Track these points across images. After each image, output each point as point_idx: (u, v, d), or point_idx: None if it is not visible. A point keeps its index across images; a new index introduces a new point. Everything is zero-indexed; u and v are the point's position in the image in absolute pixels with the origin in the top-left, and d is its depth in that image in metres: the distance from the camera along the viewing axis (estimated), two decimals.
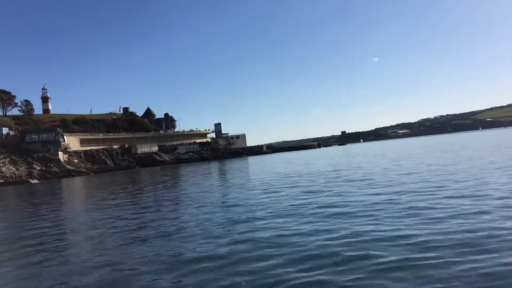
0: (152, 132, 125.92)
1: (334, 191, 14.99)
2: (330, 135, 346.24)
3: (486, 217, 8.42)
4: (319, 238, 7.83)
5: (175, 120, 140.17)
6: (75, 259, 7.99)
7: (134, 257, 7.67)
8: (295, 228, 8.96)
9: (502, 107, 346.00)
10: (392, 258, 6.17)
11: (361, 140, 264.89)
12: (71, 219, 14.68)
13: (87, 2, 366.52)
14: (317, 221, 9.45)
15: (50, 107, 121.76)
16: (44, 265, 7.81)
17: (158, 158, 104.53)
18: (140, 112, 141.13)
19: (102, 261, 7.59)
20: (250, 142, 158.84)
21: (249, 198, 15.32)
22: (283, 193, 15.91)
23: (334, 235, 8.00)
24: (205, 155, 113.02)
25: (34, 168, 77.05)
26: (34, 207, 20.81)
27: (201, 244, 8.26)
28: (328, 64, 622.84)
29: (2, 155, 77.77)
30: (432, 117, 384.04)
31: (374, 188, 14.81)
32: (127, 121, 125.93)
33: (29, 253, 8.99)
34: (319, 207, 11.63)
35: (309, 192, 15.59)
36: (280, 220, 10.13)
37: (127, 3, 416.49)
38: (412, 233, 7.57)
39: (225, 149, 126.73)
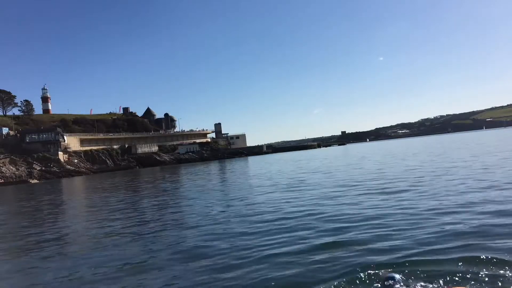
0: (152, 132, 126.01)
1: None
2: (330, 135, 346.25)
3: None
4: None
5: (175, 120, 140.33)
6: (75, 258, 7.94)
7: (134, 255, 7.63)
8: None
9: (502, 107, 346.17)
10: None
11: (367, 140, 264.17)
12: (71, 219, 14.63)
13: (87, 2, 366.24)
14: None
15: (50, 107, 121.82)
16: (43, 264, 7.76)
17: (158, 158, 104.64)
18: (140, 112, 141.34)
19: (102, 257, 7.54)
20: (250, 142, 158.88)
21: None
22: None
23: None
24: (205, 155, 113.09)
25: (34, 168, 77.10)
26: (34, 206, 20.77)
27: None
28: (329, 64, 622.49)
29: (2, 155, 77.79)
30: (432, 117, 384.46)
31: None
32: (127, 121, 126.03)
33: (29, 251, 8.95)
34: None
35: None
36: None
37: (127, 3, 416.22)
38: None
39: (225, 149, 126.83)
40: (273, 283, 5.58)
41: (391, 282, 4.62)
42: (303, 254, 6.87)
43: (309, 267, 6.12)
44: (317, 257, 6.56)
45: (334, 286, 5.20)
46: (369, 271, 5.51)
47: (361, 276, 5.38)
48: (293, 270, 6.05)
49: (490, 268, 5.26)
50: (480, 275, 5.06)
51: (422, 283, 4.84)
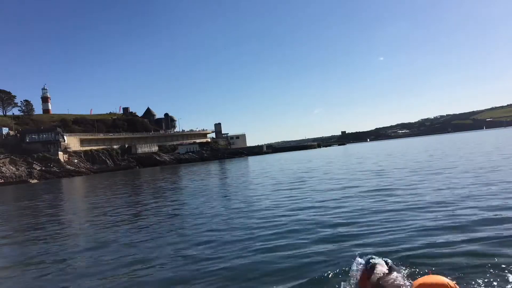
0: (152, 132, 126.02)
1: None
2: (330, 135, 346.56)
3: None
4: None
5: (175, 120, 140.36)
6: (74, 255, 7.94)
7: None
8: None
9: (502, 107, 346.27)
10: None
11: (368, 140, 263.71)
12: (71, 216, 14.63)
13: (87, 2, 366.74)
14: None
15: (50, 107, 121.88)
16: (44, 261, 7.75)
17: (158, 158, 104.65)
18: (140, 112, 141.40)
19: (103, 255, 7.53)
20: (250, 142, 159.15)
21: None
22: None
23: None
24: (205, 155, 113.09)
25: (34, 168, 77.10)
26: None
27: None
28: (329, 64, 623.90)
29: (2, 155, 77.80)
30: (432, 117, 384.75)
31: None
32: (127, 121, 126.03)
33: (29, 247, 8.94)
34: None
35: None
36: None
37: (127, 3, 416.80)
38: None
39: (225, 149, 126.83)
40: (274, 273, 5.60)
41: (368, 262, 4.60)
42: (301, 248, 6.88)
43: (308, 259, 6.13)
44: (316, 250, 6.58)
45: (329, 275, 5.25)
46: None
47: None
48: (291, 263, 6.08)
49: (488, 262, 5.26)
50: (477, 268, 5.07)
51: (402, 267, 4.89)
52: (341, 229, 8.09)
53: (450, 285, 3.68)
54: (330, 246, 6.82)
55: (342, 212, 10.02)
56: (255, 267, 6.08)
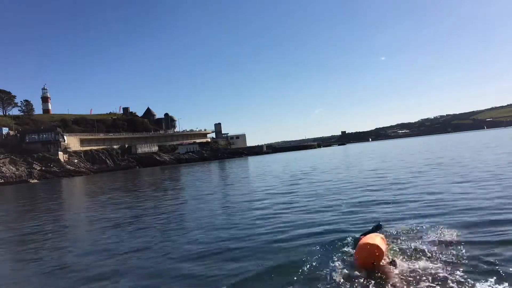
0: (152, 132, 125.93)
1: None
2: (330, 135, 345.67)
3: None
4: None
5: (175, 120, 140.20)
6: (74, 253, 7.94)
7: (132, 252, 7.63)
8: None
9: (502, 107, 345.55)
10: None
11: (370, 140, 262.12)
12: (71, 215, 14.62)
13: (87, 2, 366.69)
14: None
15: (50, 107, 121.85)
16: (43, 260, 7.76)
17: (158, 158, 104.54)
18: (140, 112, 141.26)
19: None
20: (250, 142, 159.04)
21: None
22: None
23: None
24: (205, 155, 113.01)
25: (34, 168, 77.04)
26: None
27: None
28: (329, 64, 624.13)
29: (2, 155, 77.76)
30: (432, 117, 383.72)
31: None
32: (127, 121, 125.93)
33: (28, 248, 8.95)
34: None
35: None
36: None
37: (127, 3, 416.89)
38: None
39: (225, 149, 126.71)
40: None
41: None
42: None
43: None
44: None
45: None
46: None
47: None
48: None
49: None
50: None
51: None
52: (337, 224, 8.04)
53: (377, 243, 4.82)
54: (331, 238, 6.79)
55: (342, 207, 9.97)
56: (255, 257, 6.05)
